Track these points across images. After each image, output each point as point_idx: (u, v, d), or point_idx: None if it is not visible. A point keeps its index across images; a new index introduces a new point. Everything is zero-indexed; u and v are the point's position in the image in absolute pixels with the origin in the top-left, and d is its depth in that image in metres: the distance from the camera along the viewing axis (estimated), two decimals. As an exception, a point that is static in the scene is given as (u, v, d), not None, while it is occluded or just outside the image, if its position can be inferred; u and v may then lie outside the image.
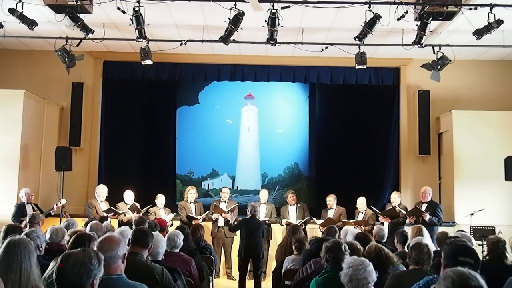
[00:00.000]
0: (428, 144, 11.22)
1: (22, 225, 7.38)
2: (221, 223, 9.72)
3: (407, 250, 5.76)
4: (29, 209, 8.85)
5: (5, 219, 8.42)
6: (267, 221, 9.40)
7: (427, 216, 8.81)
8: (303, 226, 9.05)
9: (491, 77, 11.31)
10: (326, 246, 4.57)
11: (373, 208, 9.47)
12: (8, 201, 9.37)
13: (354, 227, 8.74)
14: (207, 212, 9.73)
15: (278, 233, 9.86)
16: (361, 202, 9.57)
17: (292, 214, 9.71)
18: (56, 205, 9.19)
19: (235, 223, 9.04)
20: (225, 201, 9.90)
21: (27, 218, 7.32)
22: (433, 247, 6.14)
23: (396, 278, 4.00)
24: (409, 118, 11.38)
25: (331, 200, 9.67)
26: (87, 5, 8.06)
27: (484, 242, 8.38)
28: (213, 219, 9.76)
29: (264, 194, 10.05)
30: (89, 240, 4.28)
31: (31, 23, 8.02)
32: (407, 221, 8.99)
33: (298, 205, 9.79)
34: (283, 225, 9.70)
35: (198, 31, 9.31)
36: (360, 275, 3.64)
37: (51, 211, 9.09)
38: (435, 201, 9.50)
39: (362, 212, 9.51)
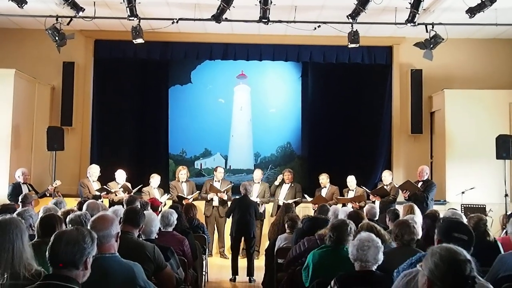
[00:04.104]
0: (420, 123, 11.24)
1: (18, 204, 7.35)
2: (215, 202, 9.74)
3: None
4: (25, 189, 8.81)
5: (-3, 199, 8.44)
6: (259, 202, 9.42)
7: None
8: (294, 206, 9.11)
9: (484, 56, 11.31)
10: (333, 224, 4.62)
11: (363, 187, 9.53)
12: (0, 181, 9.36)
13: (344, 205, 8.82)
14: (199, 191, 9.76)
15: (268, 212, 9.91)
16: (351, 180, 9.59)
17: (283, 193, 9.77)
18: (51, 186, 9.18)
19: (228, 206, 9.06)
20: (219, 181, 9.92)
21: (20, 198, 7.30)
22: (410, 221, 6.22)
23: (385, 255, 4.03)
24: (401, 97, 11.38)
25: (324, 178, 9.72)
26: (77, -17, 7.98)
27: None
28: (208, 198, 9.78)
29: (257, 174, 10.10)
30: (59, 222, 4.25)
31: (21, 1, 7.94)
32: (399, 198, 9.04)
33: (292, 185, 9.84)
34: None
35: (190, 10, 9.23)
36: (362, 250, 3.69)
37: (45, 192, 9.09)
38: (430, 180, 9.55)
39: (352, 190, 9.56)
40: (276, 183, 10.00)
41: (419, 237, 5.00)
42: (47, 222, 4.15)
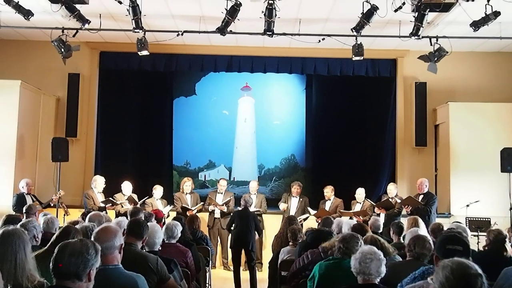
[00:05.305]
0: (424, 135, 11.21)
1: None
2: (217, 214, 9.76)
3: (402, 241, 5.81)
4: (29, 200, 8.81)
5: (1, 209, 8.42)
6: (255, 212, 9.41)
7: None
8: (302, 222, 9.09)
9: (488, 69, 11.30)
10: (343, 236, 4.61)
11: (368, 200, 9.51)
12: (5, 191, 9.38)
13: (350, 218, 8.79)
14: (203, 203, 9.76)
15: (269, 223, 9.88)
16: (360, 193, 9.53)
17: (294, 206, 9.77)
18: (55, 196, 9.19)
19: (228, 220, 9.04)
20: (222, 193, 9.93)
21: (24, 209, 7.31)
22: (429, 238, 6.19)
23: (392, 268, 4.03)
24: (405, 109, 11.37)
25: (328, 191, 9.68)
26: (83, -5, 8.04)
27: (480, 234, 8.47)
28: (209, 210, 9.81)
29: (253, 185, 10.11)
30: (78, 234, 4.26)
31: (27, 13, 7.99)
32: (404, 211, 9.00)
33: (301, 199, 9.82)
34: (281, 209, 9.85)
35: (195, 22, 9.28)
36: (364, 263, 3.67)
37: (50, 203, 9.10)
38: (431, 192, 9.52)
39: (360, 203, 9.50)
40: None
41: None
42: (67, 235, 4.14)
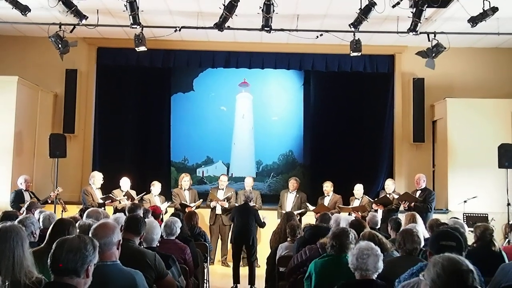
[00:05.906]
0: (422, 131, 11.22)
1: (20, 212, 7.33)
2: (218, 211, 9.76)
3: (400, 237, 5.81)
4: (27, 196, 8.85)
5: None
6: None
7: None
8: (299, 217, 9.08)
9: (486, 65, 11.30)
10: (334, 233, 4.61)
11: (367, 196, 9.51)
12: (2, 188, 9.37)
13: (349, 214, 8.79)
14: (202, 199, 9.76)
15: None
16: (359, 189, 9.53)
17: (290, 201, 9.76)
18: (53, 192, 9.18)
19: (230, 215, 9.07)
20: (223, 189, 9.94)
21: (25, 205, 7.29)
22: (426, 234, 6.21)
23: (389, 264, 4.03)
24: (403, 105, 11.36)
25: (328, 186, 9.67)
26: (80, -9, 8.01)
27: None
28: (211, 206, 9.81)
29: (248, 181, 10.10)
30: (72, 227, 4.24)
31: (24, 9, 7.96)
32: (401, 207, 9.01)
33: (297, 195, 9.81)
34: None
35: (193, 18, 9.26)
36: (361, 259, 3.68)
37: (47, 199, 9.09)
38: (429, 188, 9.53)
39: (358, 199, 9.50)
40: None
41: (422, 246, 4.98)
42: (60, 229, 4.12)
